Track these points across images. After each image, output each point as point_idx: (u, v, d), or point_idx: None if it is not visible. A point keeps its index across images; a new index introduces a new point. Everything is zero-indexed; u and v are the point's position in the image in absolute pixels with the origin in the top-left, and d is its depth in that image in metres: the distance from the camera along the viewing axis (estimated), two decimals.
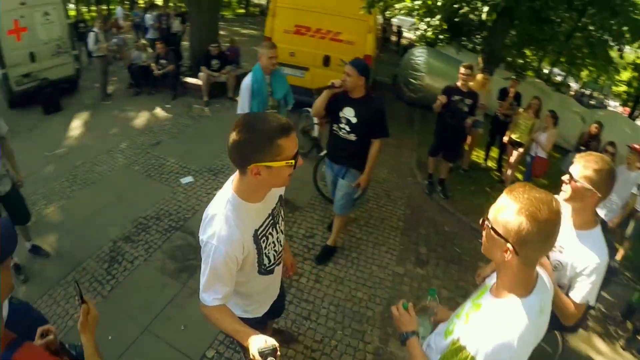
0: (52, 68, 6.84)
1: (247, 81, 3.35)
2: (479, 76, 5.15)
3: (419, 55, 8.13)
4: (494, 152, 6.27)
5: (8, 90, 6.54)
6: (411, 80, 8.13)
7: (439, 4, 5.13)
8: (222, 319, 1.29)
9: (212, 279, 1.28)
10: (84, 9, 19.47)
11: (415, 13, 6.13)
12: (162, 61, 7.22)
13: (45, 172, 4.73)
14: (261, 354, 1.04)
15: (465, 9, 5.14)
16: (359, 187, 3.10)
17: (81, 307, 1.32)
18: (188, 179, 4.58)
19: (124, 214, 3.89)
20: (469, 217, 4.50)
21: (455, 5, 5.03)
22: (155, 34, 9.25)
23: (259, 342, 1.08)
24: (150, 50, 7.76)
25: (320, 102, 2.84)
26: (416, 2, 5.61)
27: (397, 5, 6.03)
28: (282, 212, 1.53)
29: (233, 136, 1.15)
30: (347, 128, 2.86)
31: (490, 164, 6.36)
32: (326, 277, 3.37)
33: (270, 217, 1.42)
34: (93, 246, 3.51)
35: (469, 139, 5.26)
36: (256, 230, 1.34)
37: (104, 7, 17.31)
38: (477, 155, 6.43)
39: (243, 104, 3.39)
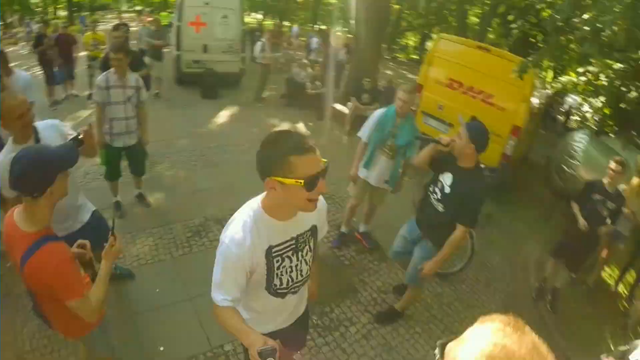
0: (220, 62, 8.16)
1: (379, 111, 3.38)
2: (636, 180, 4.15)
3: (579, 140, 7.00)
4: (630, 276, 4.94)
5: (178, 69, 8.21)
6: (564, 167, 7.04)
7: (604, 82, 4.37)
8: (228, 319, 1.29)
9: (222, 279, 1.31)
10: (268, 21, 22.68)
11: (580, 90, 5.35)
12: (318, 83, 7.90)
13: (180, 143, 5.60)
14: (260, 354, 1.03)
15: (634, 93, 4.24)
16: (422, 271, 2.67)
17: (110, 238, 1.63)
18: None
19: (226, 199, 4.07)
20: (568, 342, 3.59)
21: (622, 88, 4.20)
22: (319, 56, 10.13)
23: (259, 343, 1.08)
24: (310, 70, 8.53)
25: (423, 155, 2.61)
26: (582, 78, 4.90)
27: (561, 79, 5.37)
28: (312, 244, 1.48)
29: (259, 148, 1.21)
30: (439, 195, 2.54)
31: (622, 289, 5.00)
32: (376, 338, 3.06)
33: (293, 242, 1.39)
34: (187, 215, 3.97)
35: (604, 251, 4.25)
36: (271, 247, 1.33)
37: (284, 23, 19.91)
38: (609, 274, 5.16)
39: (364, 130, 3.40)
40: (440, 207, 2.54)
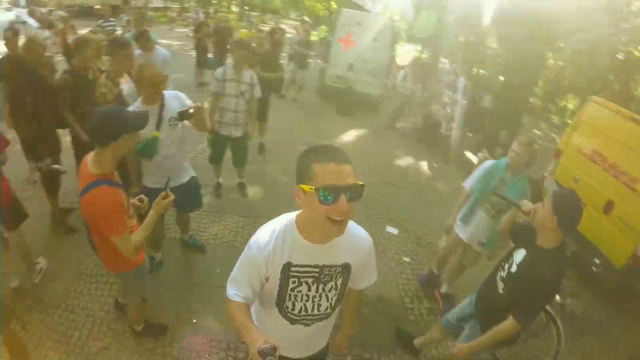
0: (361, 83, 8.25)
1: (489, 162, 3.09)
2: None
3: None
4: None
5: (321, 81, 8.68)
6: None
7: None
8: (236, 313, 1.28)
9: (237, 275, 1.34)
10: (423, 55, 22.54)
11: None
12: (453, 125, 7.50)
13: (298, 148, 5.90)
14: (260, 353, 1.02)
15: None
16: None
17: (162, 193, 1.90)
18: (393, 230, 4.41)
19: None
20: None
21: None
22: (463, 98, 9.50)
23: (259, 341, 1.07)
24: (449, 110, 8.06)
25: (504, 222, 2.33)
26: None
27: None
28: (340, 283, 1.35)
29: None
30: (504, 273, 2.09)
31: None
32: None
33: (316, 270, 1.29)
34: (276, 214, 4.15)
35: None
36: (290, 264, 1.27)
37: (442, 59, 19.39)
38: None
39: (470, 179, 3.09)
40: (500, 288, 2.09)
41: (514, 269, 2.03)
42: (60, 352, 2.48)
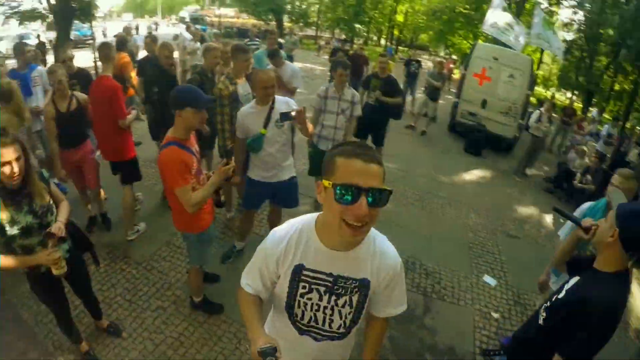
0: (494, 122, 7.49)
1: (586, 204, 2.51)
2: None
3: None
4: None
5: (452, 116, 8.23)
6: None
7: None
8: (245, 305, 1.25)
9: (251, 266, 1.28)
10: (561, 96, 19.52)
11: None
12: (588, 177, 6.21)
13: (413, 178, 5.56)
14: (261, 353, 1.01)
15: None
16: None
17: (225, 160, 2.13)
18: (491, 280, 3.73)
19: (420, 248, 3.88)
20: None
21: None
22: (606, 151, 7.97)
23: (260, 341, 1.04)
24: (586, 160, 6.82)
25: (563, 247, 1.94)
26: None
27: None
28: (356, 301, 1.20)
29: None
30: (548, 302, 1.68)
31: None
32: None
33: (330, 280, 1.16)
34: None
35: None
36: (302, 266, 1.16)
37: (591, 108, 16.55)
38: None
39: (565, 227, 2.58)
40: (541, 317, 1.65)
41: (562, 294, 1.57)
42: (126, 299, 2.82)
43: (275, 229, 1.22)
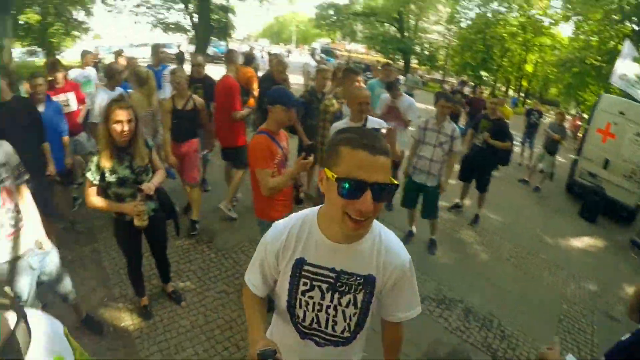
0: (615, 186, 6.38)
1: None
2: None
3: None
4: None
5: (571, 175, 7.26)
6: None
7: None
8: (247, 302, 1.24)
9: (253, 261, 1.25)
10: None
11: None
12: None
13: (511, 235, 4.95)
14: (260, 355, 1.00)
15: None
16: None
17: (304, 154, 2.13)
18: (571, 358, 3.19)
19: (494, 302, 3.41)
20: None
21: None
22: None
23: (259, 344, 1.03)
24: None
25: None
26: None
27: None
28: (360, 299, 1.12)
29: None
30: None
31: None
32: None
33: (332, 276, 1.10)
34: (455, 288, 3.53)
35: None
36: (303, 260, 1.11)
37: None
38: None
39: None
40: None
41: None
42: (197, 275, 3.05)
43: (277, 222, 1.18)
